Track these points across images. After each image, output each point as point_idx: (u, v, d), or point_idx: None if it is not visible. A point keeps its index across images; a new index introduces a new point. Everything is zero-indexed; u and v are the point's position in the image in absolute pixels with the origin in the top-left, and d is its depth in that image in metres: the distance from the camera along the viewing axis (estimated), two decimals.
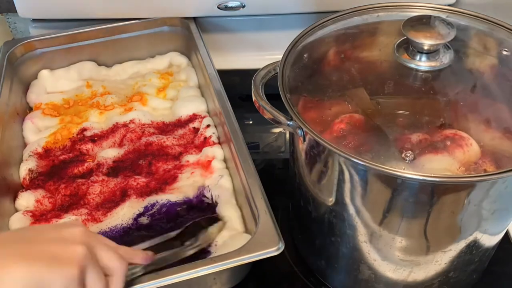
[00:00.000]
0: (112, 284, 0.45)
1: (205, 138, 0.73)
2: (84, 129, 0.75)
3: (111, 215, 0.64)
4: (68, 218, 0.63)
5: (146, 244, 0.54)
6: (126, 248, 0.48)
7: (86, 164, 0.70)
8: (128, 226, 0.63)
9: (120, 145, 0.74)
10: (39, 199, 0.66)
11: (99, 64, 0.87)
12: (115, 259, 0.45)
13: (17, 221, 0.63)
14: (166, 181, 0.68)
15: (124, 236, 0.62)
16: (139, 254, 0.49)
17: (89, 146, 0.73)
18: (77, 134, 0.75)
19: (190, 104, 0.79)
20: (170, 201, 0.65)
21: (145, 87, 0.82)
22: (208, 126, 0.74)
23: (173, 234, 0.57)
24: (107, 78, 0.86)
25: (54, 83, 0.84)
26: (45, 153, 0.73)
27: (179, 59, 0.88)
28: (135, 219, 0.64)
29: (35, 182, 0.69)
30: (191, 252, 0.56)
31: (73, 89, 0.84)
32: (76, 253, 0.41)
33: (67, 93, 0.83)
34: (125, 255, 0.47)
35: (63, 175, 0.69)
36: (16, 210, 0.66)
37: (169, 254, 0.54)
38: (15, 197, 0.67)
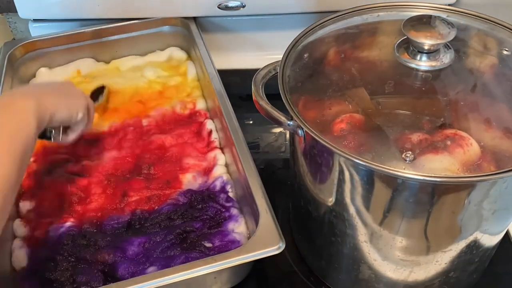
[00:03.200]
0: (91, 119, 0.67)
1: (208, 143, 0.73)
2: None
3: (111, 215, 0.64)
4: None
5: None
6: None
7: (85, 165, 0.70)
8: (126, 224, 0.63)
9: (120, 146, 0.73)
10: (39, 199, 0.66)
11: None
12: (92, 103, 0.68)
13: (20, 225, 0.64)
14: (168, 182, 0.68)
15: (120, 234, 0.62)
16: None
17: (89, 147, 0.73)
18: None
19: (191, 102, 0.79)
20: (170, 202, 0.65)
21: (145, 87, 0.82)
22: (210, 130, 0.74)
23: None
24: (106, 73, 0.86)
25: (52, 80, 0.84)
26: (45, 153, 0.72)
27: (178, 53, 0.89)
28: (134, 218, 0.64)
29: (36, 183, 0.69)
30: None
31: None
32: (83, 94, 0.66)
33: None
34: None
35: (63, 176, 0.69)
36: (18, 211, 0.66)
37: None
38: (18, 197, 0.67)
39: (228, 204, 0.65)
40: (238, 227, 0.62)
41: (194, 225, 0.62)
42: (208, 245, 0.60)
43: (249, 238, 0.60)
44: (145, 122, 0.77)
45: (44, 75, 0.84)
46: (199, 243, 0.60)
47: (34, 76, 0.84)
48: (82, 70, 0.86)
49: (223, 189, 0.67)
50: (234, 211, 0.64)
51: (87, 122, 0.65)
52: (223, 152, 0.71)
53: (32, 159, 0.72)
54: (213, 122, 0.75)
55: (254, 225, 0.58)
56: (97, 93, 0.79)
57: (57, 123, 0.60)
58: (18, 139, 0.51)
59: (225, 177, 0.68)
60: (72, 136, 0.65)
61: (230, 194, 0.66)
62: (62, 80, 0.84)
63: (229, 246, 0.59)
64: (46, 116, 0.56)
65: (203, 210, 0.64)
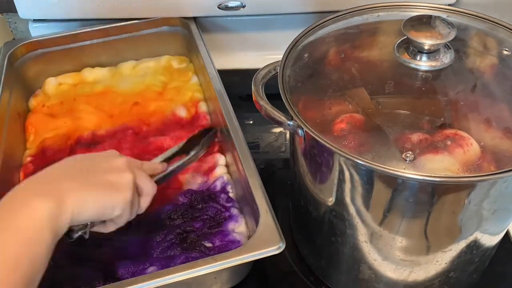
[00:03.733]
0: (144, 201, 0.54)
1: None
2: (84, 132, 0.75)
3: None
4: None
5: (159, 158, 0.62)
6: (149, 164, 0.58)
7: None
8: (126, 224, 0.63)
9: (120, 147, 0.73)
10: None
11: (100, 65, 0.87)
12: (148, 182, 0.54)
13: None
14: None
15: (120, 234, 0.62)
16: (158, 167, 0.60)
17: (88, 148, 0.73)
18: (76, 137, 0.75)
19: (192, 105, 0.79)
20: (170, 201, 0.65)
21: (145, 89, 0.82)
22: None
23: (176, 148, 0.64)
24: (108, 78, 0.86)
25: (56, 88, 0.84)
26: (45, 155, 0.72)
27: (179, 59, 0.88)
28: (133, 218, 0.64)
29: None
30: (196, 159, 0.65)
31: (73, 90, 0.84)
32: (127, 180, 0.50)
33: (67, 96, 0.82)
34: (150, 171, 0.57)
35: None
36: None
37: (179, 164, 0.63)
38: None
39: (228, 205, 0.65)
40: (238, 227, 0.62)
41: (194, 225, 0.62)
42: (208, 245, 0.60)
43: (249, 238, 0.60)
44: (145, 124, 0.77)
45: (50, 82, 0.84)
46: (199, 243, 0.60)
47: (35, 76, 0.84)
48: (85, 75, 0.86)
49: (223, 190, 0.67)
50: (235, 211, 0.64)
51: (133, 211, 0.52)
52: (223, 152, 0.71)
53: (29, 159, 0.72)
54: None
55: (254, 225, 0.58)
56: (203, 136, 0.68)
57: (83, 222, 0.48)
58: (24, 259, 0.40)
59: (226, 177, 0.68)
60: (110, 228, 0.52)
61: (231, 195, 0.66)
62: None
63: (229, 246, 0.59)
64: (67, 219, 0.44)
65: (203, 210, 0.64)
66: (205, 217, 0.63)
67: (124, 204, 0.49)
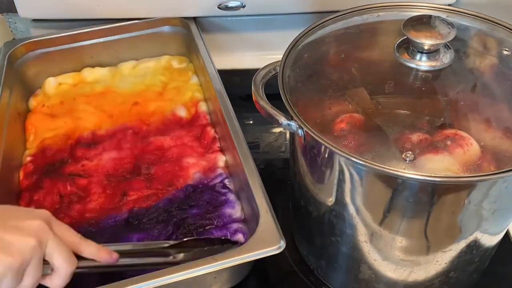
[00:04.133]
0: (51, 280, 0.47)
1: (210, 145, 0.73)
2: (84, 132, 0.75)
3: (109, 213, 0.65)
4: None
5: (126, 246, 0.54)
6: (91, 245, 0.49)
7: (85, 166, 0.70)
8: (124, 221, 0.64)
9: (120, 147, 0.73)
10: (38, 200, 0.66)
11: (100, 65, 0.87)
12: (63, 259, 0.46)
13: None
14: (168, 181, 0.68)
15: (119, 231, 0.63)
16: (102, 254, 0.50)
17: (88, 148, 0.73)
18: (76, 137, 0.75)
19: (192, 105, 0.79)
20: (167, 197, 0.66)
21: (145, 89, 0.82)
22: (213, 135, 0.74)
23: (169, 243, 0.55)
24: (108, 78, 0.86)
25: (56, 88, 0.84)
26: (44, 155, 0.72)
27: (179, 59, 0.88)
28: (132, 215, 0.64)
29: (34, 183, 0.69)
30: (165, 265, 0.52)
31: (73, 90, 0.84)
32: (26, 245, 0.43)
33: (67, 95, 0.83)
34: (86, 252, 0.49)
35: (62, 177, 0.69)
36: None
37: (138, 262, 0.53)
38: (17, 198, 0.67)
39: (224, 191, 0.66)
40: (235, 213, 0.63)
41: (190, 212, 0.63)
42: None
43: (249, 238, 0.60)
44: (145, 124, 0.77)
45: (50, 82, 0.84)
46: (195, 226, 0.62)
47: (34, 76, 0.84)
48: (85, 75, 0.86)
49: (222, 184, 0.67)
50: (231, 196, 0.65)
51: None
52: (223, 152, 0.72)
53: (29, 159, 0.72)
54: (214, 129, 0.75)
55: (254, 225, 0.58)
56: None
57: None
58: None
59: (225, 175, 0.68)
60: None
61: (229, 186, 0.67)
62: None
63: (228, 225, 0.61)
64: None
65: (199, 200, 0.65)
66: (201, 203, 0.64)
67: (4, 268, 0.42)
